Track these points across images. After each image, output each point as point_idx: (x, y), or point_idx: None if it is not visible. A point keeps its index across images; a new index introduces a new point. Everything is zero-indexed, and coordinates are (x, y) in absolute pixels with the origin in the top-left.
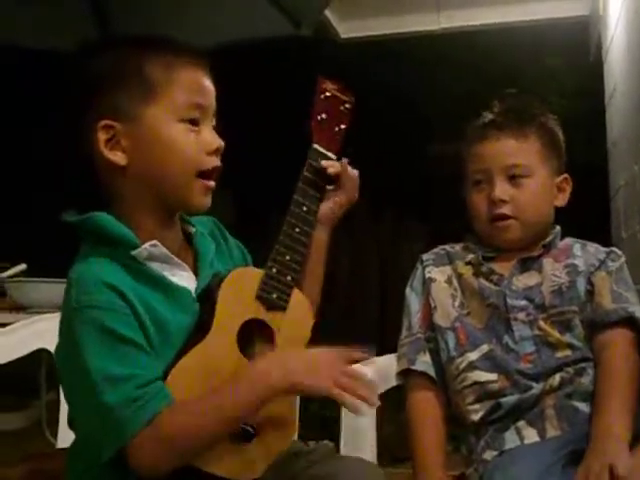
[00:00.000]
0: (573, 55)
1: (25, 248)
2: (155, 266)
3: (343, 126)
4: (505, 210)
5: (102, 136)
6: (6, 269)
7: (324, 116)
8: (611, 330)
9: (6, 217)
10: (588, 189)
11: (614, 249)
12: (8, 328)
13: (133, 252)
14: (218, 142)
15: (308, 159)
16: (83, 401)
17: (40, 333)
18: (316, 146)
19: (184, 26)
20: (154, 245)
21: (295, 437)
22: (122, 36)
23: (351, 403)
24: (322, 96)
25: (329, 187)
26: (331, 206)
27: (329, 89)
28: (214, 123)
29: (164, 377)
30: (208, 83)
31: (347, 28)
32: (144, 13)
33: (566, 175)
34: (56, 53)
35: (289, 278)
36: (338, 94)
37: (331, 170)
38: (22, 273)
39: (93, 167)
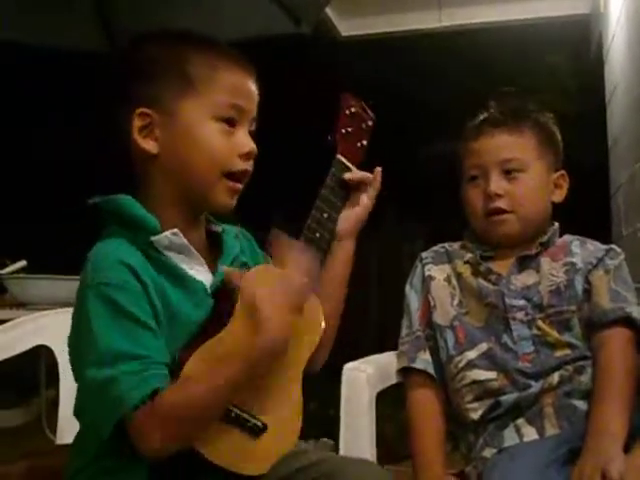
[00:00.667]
0: (574, 53)
1: (25, 245)
2: (173, 256)
3: (364, 142)
4: (500, 204)
5: (138, 123)
6: (6, 265)
7: (349, 129)
8: (608, 329)
9: (6, 214)
10: (589, 187)
11: (613, 246)
12: (8, 324)
13: (153, 238)
14: (251, 146)
15: (332, 169)
16: (87, 374)
17: (40, 329)
18: (340, 157)
19: (184, 24)
20: (175, 234)
21: None
22: (169, 29)
23: None
24: (347, 112)
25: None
26: (351, 218)
27: (354, 105)
28: (253, 128)
29: (177, 365)
30: (251, 88)
31: (347, 26)
32: (144, 11)
33: (563, 172)
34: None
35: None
36: (361, 111)
37: (353, 180)
38: (22, 270)
39: (126, 153)
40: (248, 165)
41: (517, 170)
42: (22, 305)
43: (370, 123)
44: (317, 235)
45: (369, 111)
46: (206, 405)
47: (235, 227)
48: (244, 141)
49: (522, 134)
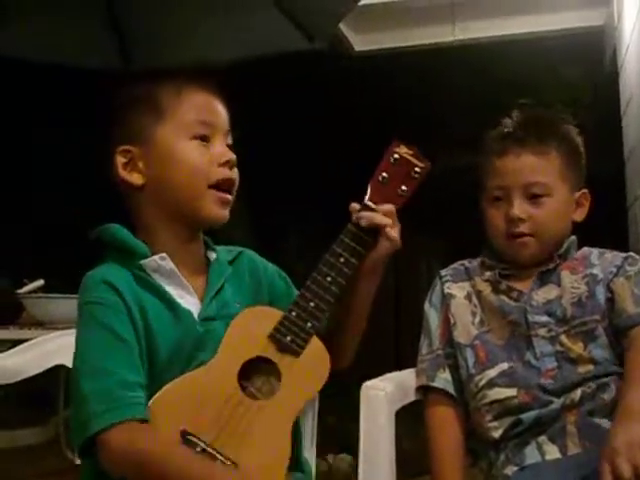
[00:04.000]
0: (588, 65)
1: (43, 264)
2: (161, 280)
3: (406, 188)
4: (523, 229)
5: (120, 160)
6: (24, 285)
7: (385, 175)
8: (635, 329)
9: (24, 233)
10: (605, 199)
11: (632, 254)
12: (26, 344)
13: (142, 261)
14: (229, 155)
15: (355, 214)
16: (71, 387)
17: (58, 349)
18: (367, 202)
19: (198, 41)
20: (163, 258)
21: (313, 457)
22: (138, 70)
23: None
24: (391, 158)
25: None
26: (372, 257)
27: (401, 153)
28: (229, 142)
29: (154, 391)
30: (217, 104)
31: (361, 41)
32: (159, 29)
33: (585, 190)
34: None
35: (309, 325)
36: (411, 158)
37: (364, 223)
38: (40, 289)
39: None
40: (232, 173)
41: (541, 194)
42: (40, 324)
43: (419, 171)
44: (328, 279)
45: (422, 160)
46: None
47: (238, 249)
48: (221, 151)
49: (548, 156)
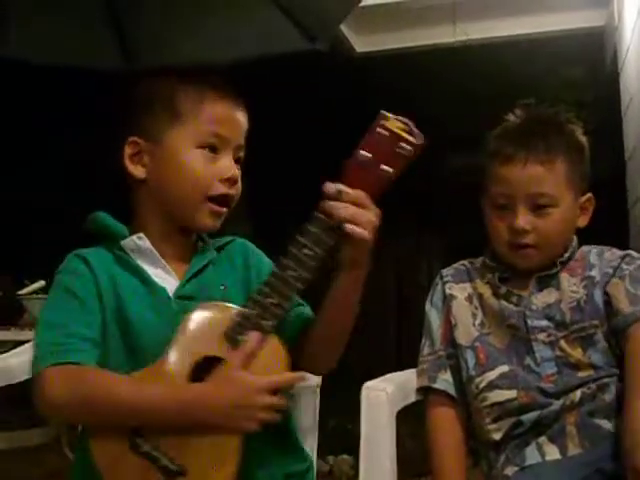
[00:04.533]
0: (589, 66)
1: (44, 265)
2: (139, 259)
3: (388, 168)
4: (527, 240)
5: (128, 150)
6: (25, 286)
7: (363, 153)
8: (631, 328)
9: (25, 234)
10: (606, 199)
11: (630, 252)
12: (28, 345)
13: (122, 242)
14: (232, 172)
15: (326, 198)
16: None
17: None
18: (340, 186)
19: (200, 42)
20: (140, 237)
21: (314, 453)
22: (162, 65)
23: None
24: (376, 133)
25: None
26: (344, 250)
27: (389, 126)
28: (240, 156)
29: (131, 359)
30: (235, 117)
31: (363, 42)
32: (159, 29)
33: (590, 195)
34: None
35: (266, 323)
36: (401, 132)
37: (337, 212)
38: (41, 290)
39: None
40: (232, 190)
41: (547, 205)
42: None
43: (406, 146)
44: (289, 273)
45: (415, 135)
46: (102, 402)
47: (230, 237)
48: (226, 167)
49: (554, 165)
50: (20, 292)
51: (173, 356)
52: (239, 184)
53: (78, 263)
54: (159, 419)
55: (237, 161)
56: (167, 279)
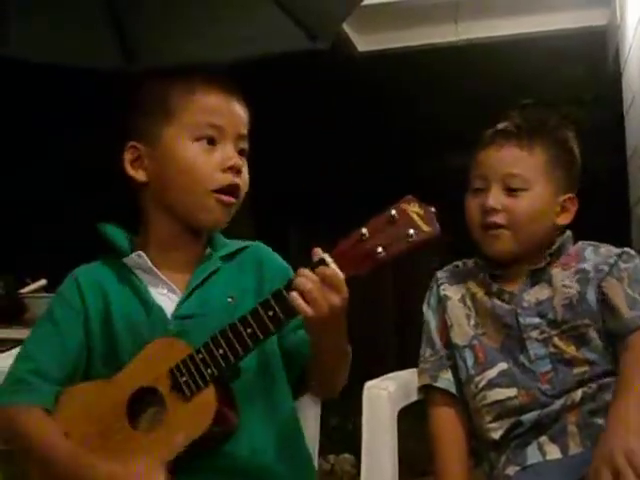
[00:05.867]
0: (591, 65)
1: (45, 264)
2: (142, 275)
3: (384, 253)
4: (497, 219)
5: (128, 156)
6: (27, 285)
7: (363, 233)
8: (631, 336)
9: (26, 233)
10: (608, 198)
11: (627, 249)
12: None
13: (124, 259)
14: (234, 160)
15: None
16: None
17: None
18: (326, 256)
19: (200, 42)
20: (139, 256)
21: (315, 453)
22: (153, 68)
23: None
24: (390, 214)
25: None
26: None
27: (408, 210)
28: (243, 147)
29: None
30: (230, 106)
31: (364, 41)
32: (160, 28)
33: (571, 195)
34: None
35: (209, 371)
36: (415, 218)
37: (298, 280)
38: (43, 289)
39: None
40: (237, 179)
41: (519, 188)
42: None
43: (415, 235)
44: (248, 331)
45: (431, 225)
46: (36, 456)
47: (244, 243)
48: (226, 156)
49: (532, 151)
50: (21, 291)
51: (122, 379)
52: (245, 175)
53: (70, 287)
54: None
55: (241, 153)
56: (169, 296)
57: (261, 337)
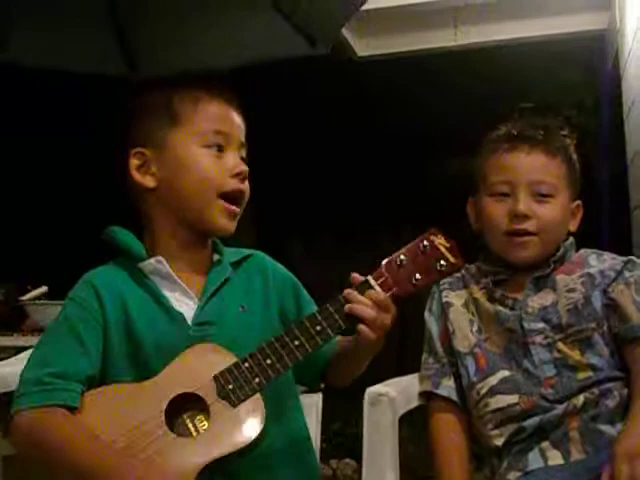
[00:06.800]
0: (591, 69)
1: (46, 271)
2: (158, 281)
3: (421, 278)
4: (527, 226)
5: (134, 162)
6: (27, 291)
7: (403, 258)
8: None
9: (27, 240)
10: (608, 203)
11: (632, 258)
12: (24, 354)
13: (140, 264)
14: (242, 167)
15: (353, 286)
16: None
17: None
18: (370, 279)
19: (201, 46)
20: (159, 261)
21: (317, 457)
22: (157, 76)
23: None
24: (421, 244)
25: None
26: (354, 342)
27: (436, 242)
28: (243, 155)
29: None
30: (233, 115)
31: (363, 46)
32: (162, 33)
33: (579, 202)
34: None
35: (257, 380)
36: (444, 250)
37: (346, 309)
38: (43, 295)
39: (128, 189)
40: (243, 185)
41: (547, 194)
42: (43, 331)
43: (445, 264)
44: (295, 343)
45: (456, 256)
46: (66, 456)
47: (247, 251)
48: (235, 162)
49: (556, 158)
50: (22, 298)
51: (160, 382)
52: (247, 182)
53: (87, 293)
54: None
55: (242, 160)
56: (186, 302)
57: (309, 350)
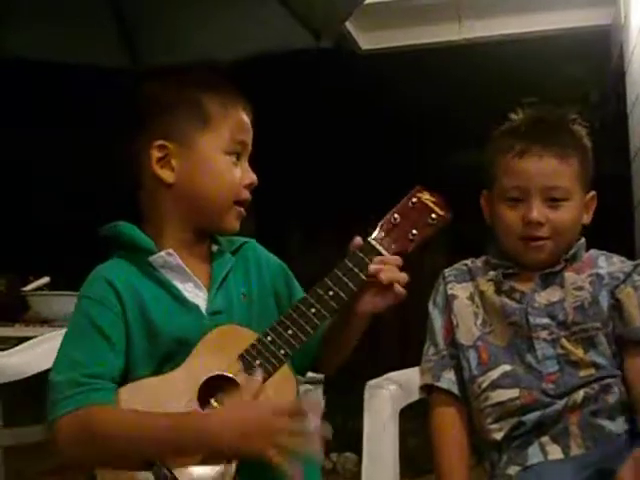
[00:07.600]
0: (595, 64)
1: (48, 261)
2: (169, 274)
3: (417, 233)
4: (541, 233)
5: (156, 154)
6: (29, 282)
7: (397, 217)
8: None
9: (29, 230)
10: (611, 199)
11: None
12: (32, 341)
13: (150, 258)
14: (253, 177)
15: (356, 249)
16: (49, 376)
17: None
18: (371, 240)
19: (205, 39)
20: (170, 254)
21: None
22: (184, 68)
23: (285, 466)
24: (409, 201)
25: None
26: (368, 305)
27: (422, 197)
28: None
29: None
30: (249, 124)
31: (367, 40)
32: (166, 26)
33: (593, 193)
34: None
35: (282, 352)
36: (431, 205)
37: (373, 270)
38: (45, 286)
39: (135, 181)
40: (249, 195)
41: (561, 199)
42: (45, 322)
43: (436, 217)
44: (312, 311)
45: (444, 209)
46: (129, 439)
47: (240, 239)
48: (247, 173)
49: (569, 160)
50: (24, 288)
51: (187, 369)
52: None
53: (105, 289)
54: (175, 448)
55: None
56: (197, 293)
57: (327, 315)
